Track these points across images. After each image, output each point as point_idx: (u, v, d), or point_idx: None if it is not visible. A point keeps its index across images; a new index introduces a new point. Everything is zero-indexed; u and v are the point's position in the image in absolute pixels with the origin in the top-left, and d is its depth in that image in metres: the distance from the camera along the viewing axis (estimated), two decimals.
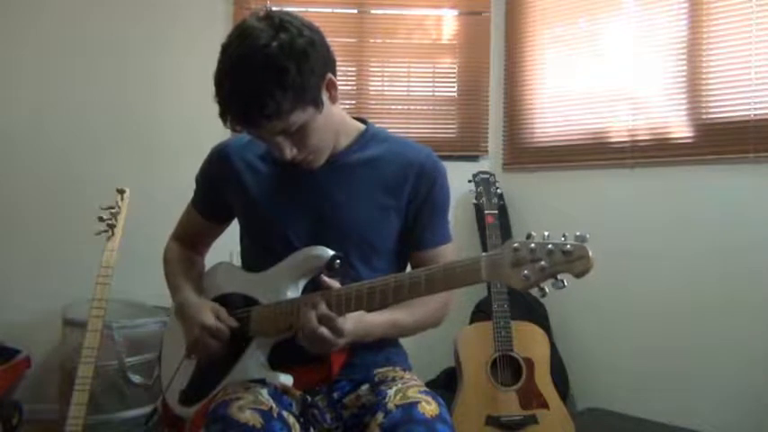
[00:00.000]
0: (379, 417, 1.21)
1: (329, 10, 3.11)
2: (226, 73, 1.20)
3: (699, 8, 2.51)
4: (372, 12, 3.14)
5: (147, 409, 2.47)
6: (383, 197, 1.35)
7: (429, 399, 1.25)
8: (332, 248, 1.28)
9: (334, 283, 1.24)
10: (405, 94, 3.17)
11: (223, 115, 1.21)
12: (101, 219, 2.09)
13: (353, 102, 3.10)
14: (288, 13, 1.23)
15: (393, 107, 3.17)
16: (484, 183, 2.62)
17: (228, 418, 1.18)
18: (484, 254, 1.08)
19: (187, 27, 3.00)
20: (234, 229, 1.50)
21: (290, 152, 1.25)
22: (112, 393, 2.44)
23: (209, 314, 1.35)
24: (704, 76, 2.50)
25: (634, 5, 2.73)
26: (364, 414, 1.29)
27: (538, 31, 3.01)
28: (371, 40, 3.13)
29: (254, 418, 1.17)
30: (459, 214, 2.90)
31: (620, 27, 2.75)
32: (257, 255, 1.42)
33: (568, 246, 0.99)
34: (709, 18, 2.49)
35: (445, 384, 2.62)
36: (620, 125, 2.74)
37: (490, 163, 3.09)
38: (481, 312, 2.63)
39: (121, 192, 2.15)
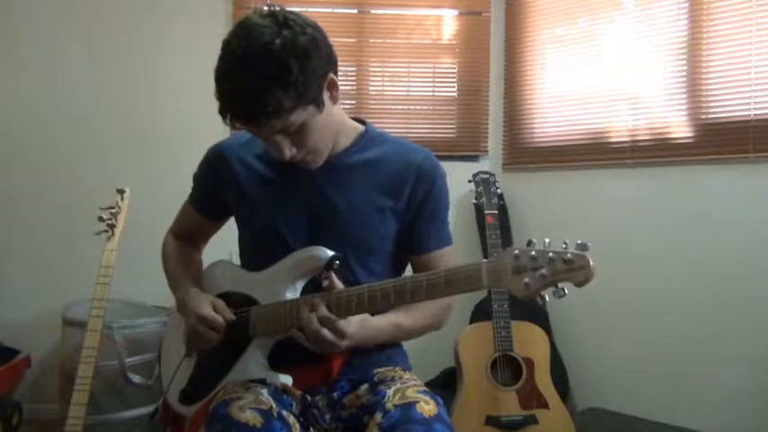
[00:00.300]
0: (378, 417, 1.21)
1: (329, 10, 3.12)
2: (227, 69, 1.19)
3: (699, 8, 2.51)
4: (372, 12, 3.14)
5: (147, 409, 2.47)
6: (381, 199, 1.35)
7: (428, 398, 1.25)
8: (329, 249, 1.28)
9: (339, 284, 1.24)
10: (405, 94, 3.17)
11: (223, 112, 1.20)
12: (101, 219, 2.09)
13: (353, 102, 3.10)
14: (291, 11, 1.22)
15: (393, 107, 3.17)
16: (484, 183, 2.62)
17: (229, 418, 1.18)
18: (485, 260, 1.08)
19: (187, 27, 3.00)
20: (234, 227, 1.50)
21: (288, 151, 1.24)
22: (112, 393, 2.44)
23: (207, 305, 1.35)
24: (704, 76, 2.50)
25: (634, 5, 2.73)
26: (363, 414, 1.28)
27: (538, 31, 3.01)
28: (371, 40, 3.13)
29: (255, 417, 1.17)
30: (459, 214, 2.90)
31: (620, 27, 2.75)
32: (255, 254, 1.42)
33: (569, 254, 0.98)
34: (709, 18, 2.49)
35: (445, 384, 2.61)
36: (620, 125, 2.74)
37: (490, 163, 3.09)
38: (481, 312, 2.63)
39: (121, 192, 2.15)
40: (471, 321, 2.65)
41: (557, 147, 2.95)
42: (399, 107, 3.17)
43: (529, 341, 2.41)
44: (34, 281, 2.90)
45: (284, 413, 1.24)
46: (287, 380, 1.29)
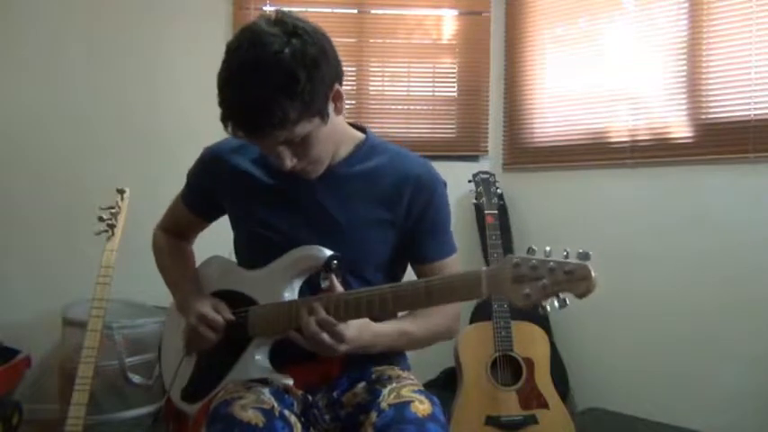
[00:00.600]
0: (373, 416, 1.21)
1: (329, 10, 3.12)
2: (232, 77, 1.16)
3: (699, 8, 2.51)
4: (372, 12, 3.14)
5: (147, 409, 2.48)
6: (379, 210, 1.33)
7: (422, 398, 1.24)
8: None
9: (339, 286, 1.23)
10: (405, 94, 3.17)
11: (225, 120, 1.18)
12: (101, 219, 2.09)
13: (353, 102, 3.10)
14: (298, 18, 1.19)
15: (393, 107, 3.17)
16: (484, 183, 2.62)
17: (231, 417, 1.18)
18: (484, 268, 1.08)
19: (187, 27, 3.00)
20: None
21: (290, 162, 1.23)
22: (112, 393, 2.44)
23: (207, 305, 1.35)
24: (704, 76, 2.50)
25: (634, 5, 2.73)
26: (360, 413, 1.29)
27: (538, 31, 3.01)
28: (371, 40, 3.13)
29: (257, 417, 1.18)
30: (459, 214, 2.90)
31: (620, 27, 2.75)
32: (250, 255, 1.41)
33: (571, 265, 0.97)
34: (709, 18, 2.49)
35: (445, 384, 2.62)
36: (620, 125, 2.74)
37: (490, 163, 3.09)
38: (481, 312, 2.63)
39: (121, 192, 2.16)
40: (471, 321, 2.65)
41: (557, 147, 2.95)
42: (399, 107, 3.17)
43: (529, 341, 2.41)
44: (34, 281, 2.90)
45: (286, 413, 1.24)
46: (288, 380, 1.29)
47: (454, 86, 3.15)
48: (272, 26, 1.16)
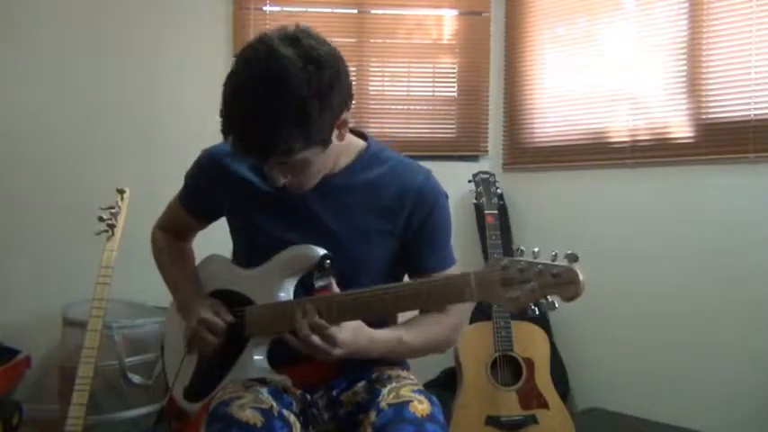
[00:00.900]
0: (372, 415, 1.21)
1: (329, 10, 3.11)
2: (242, 92, 1.12)
3: (699, 8, 2.51)
4: (372, 12, 3.14)
5: (146, 410, 2.48)
6: (379, 221, 1.32)
7: (422, 398, 1.24)
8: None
9: (335, 288, 1.23)
10: (405, 94, 3.17)
11: (226, 133, 1.16)
12: (101, 219, 2.09)
13: (353, 102, 3.09)
14: (317, 39, 1.16)
15: (393, 107, 3.17)
16: (484, 183, 2.62)
17: (230, 417, 1.18)
18: (473, 271, 1.07)
19: (187, 27, 2.99)
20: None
21: (282, 180, 1.23)
22: (112, 393, 2.44)
23: (207, 308, 1.35)
24: (704, 76, 2.50)
25: (634, 5, 2.73)
26: (359, 412, 1.29)
27: (538, 31, 3.01)
28: (371, 40, 3.13)
29: (255, 416, 1.18)
30: (459, 214, 2.90)
31: (620, 27, 2.75)
32: (248, 262, 1.40)
33: (558, 268, 0.97)
34: (709, 18, 2.49)
35: (445, 384, 2.62)
36: (620, 125, 2.74)
37: (490, 163, 3.09)
38: (481, 312, 2.63)
39: (121, 192, 2.16)
40: (471, 321, 2.65)
41: (557, 147, 2.95)
42: (399, 107, 3.17)
43: (529, 341, 2.41)
44: (34, 281, 2.90)
45: (285, 412, 1.24)
46: (286, 380, 1.29)
47: (454, 86, 3.15)
48: (287, 45, 1.12)
